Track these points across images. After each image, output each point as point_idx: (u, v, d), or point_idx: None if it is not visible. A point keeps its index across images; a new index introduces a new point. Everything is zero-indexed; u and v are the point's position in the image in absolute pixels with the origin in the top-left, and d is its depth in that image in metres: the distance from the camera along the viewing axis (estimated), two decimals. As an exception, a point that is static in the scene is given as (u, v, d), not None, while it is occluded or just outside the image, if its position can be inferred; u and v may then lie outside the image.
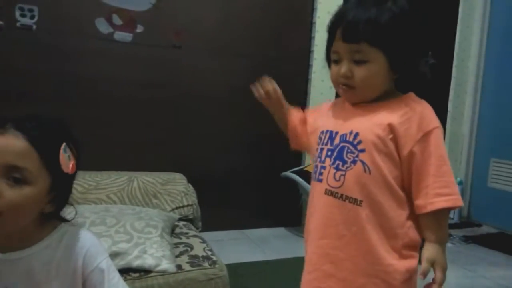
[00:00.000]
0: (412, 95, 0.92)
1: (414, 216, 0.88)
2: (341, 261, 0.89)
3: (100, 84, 2.36)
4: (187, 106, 2.60)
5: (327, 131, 0.94)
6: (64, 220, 0.83)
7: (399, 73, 0.89)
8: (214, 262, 1.40)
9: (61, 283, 0.78)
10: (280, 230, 2.87)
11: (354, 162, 0.86)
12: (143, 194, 1.83)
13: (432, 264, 0.83)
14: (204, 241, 1.59)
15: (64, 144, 0.76)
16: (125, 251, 1.30)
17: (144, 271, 1.29)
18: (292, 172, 2.62)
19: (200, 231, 1.84)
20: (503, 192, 3.20)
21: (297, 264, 2.18)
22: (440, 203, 0.83)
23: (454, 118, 3.47)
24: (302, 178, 2.56)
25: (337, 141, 0.90)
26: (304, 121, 1.08)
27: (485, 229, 3.21)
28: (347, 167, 0.87)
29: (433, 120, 0.86)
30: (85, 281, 0.79)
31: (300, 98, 2.94)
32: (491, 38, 3.37)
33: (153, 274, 1.28)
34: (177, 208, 1.87)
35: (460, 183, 3.43)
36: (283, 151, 2.88)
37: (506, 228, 3.13)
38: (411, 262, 0.88)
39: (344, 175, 0.87)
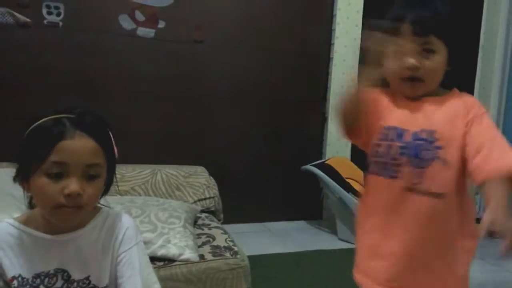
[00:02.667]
0: (456, 90, 0.96)
1: None
2: (419, 255, 0.93)
3: (124, 79, 2.42)
4: (209, 100, 2.63)
5: (393, 127, 0.93)
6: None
7: (452, 65, 0.92)
8: (236, 253, 1.43)
9: (106, 261, 0.84)
10: (301, 223, 2.88)
11: (433, 159, 0.88)
12: (167, 186, 1.87)
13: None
14: (225, 232, 1.62)
15: (109, 131, 0.83)
16: (149, 241, 1.33)
17: (168, 260, 1.32)
18: (312, 165, 2.62)
19: (221, 223, 1.87)
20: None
21: (317, 256, 2.22)
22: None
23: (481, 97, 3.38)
24: (323, 171, 2.56)
25: (408, 138, 0.90)
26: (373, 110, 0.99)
27: None
28: (425, 164, 0.88)
29: (481, 106, 0.91)
30: (119, 260, 0.85)
31: (320, 92, 2.93)
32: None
33: (176, 263, 1.32)
34: (199, 200, 1.90)
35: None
36: (303, 145, 2.90)
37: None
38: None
39: (424, 172, 0.88)
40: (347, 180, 2.53)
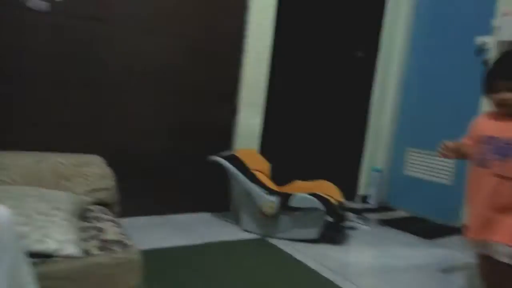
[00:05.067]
0: None
1: None
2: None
3: (11, 56, 2.14)
4: (111, 85, 2.45)
5: (489, 136, 1.45)
6: None
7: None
8: (125, 246, 1.34)
9: None
10: (206, 216, 2.84)
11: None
12: (53, 175, 1.70)
13: None
14: (118, 226, 1.52)
15: None
16: (25, 235, 1.19)
17: (46, 256, 1.19)
18: (219, 156, 2.59)
19: (119, 217, 1.76)
20: (416, 179, 3.46)
21: (219, 248, 2.21)
22: None
23: (377, 110, 3.67)
24: (230, 162, 2.55)
25: (499, 143, 1.41)
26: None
27: (399, 214, 3.45)
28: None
29: None
30: None
31: (232, 83, 2.91)
32: (414, 35, 3.59)
33: (56, 259, 1.19)
34: (91, 191, 1.76)
35: (379, 170, 3.65)
36: (212, 135, 2.86)
37: (418, 212, 3.40)
38: None
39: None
40: (254, 171, 2.56)
